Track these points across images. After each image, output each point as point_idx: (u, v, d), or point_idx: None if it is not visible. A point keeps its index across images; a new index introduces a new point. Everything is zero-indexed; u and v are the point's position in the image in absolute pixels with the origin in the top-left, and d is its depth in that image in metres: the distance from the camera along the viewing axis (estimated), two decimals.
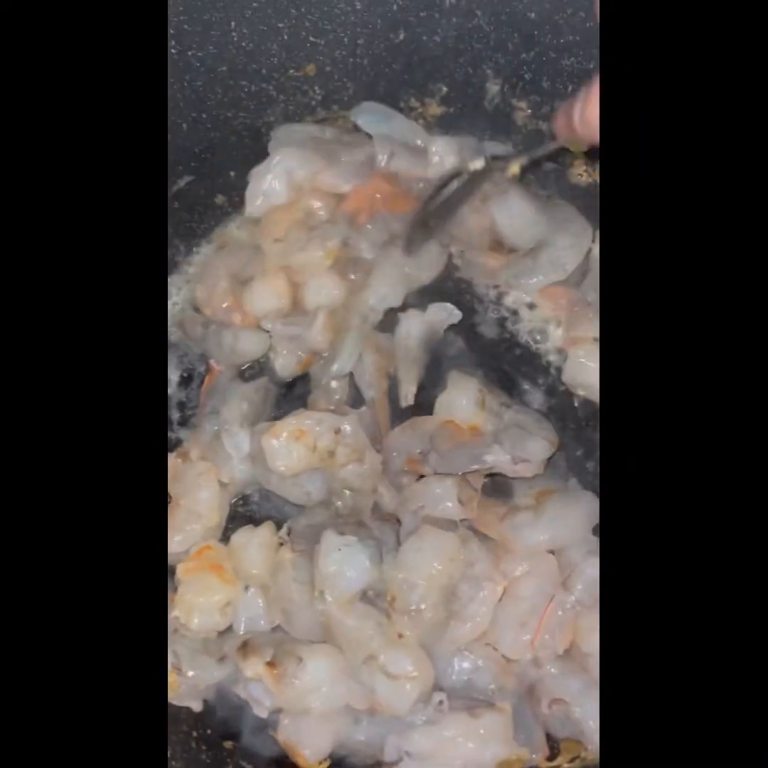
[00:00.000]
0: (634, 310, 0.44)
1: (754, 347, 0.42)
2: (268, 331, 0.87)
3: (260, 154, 0.94)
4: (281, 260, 0.87)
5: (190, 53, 0.82)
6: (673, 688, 0.41)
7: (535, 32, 0.81)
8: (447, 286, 0.90)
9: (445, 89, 0.91)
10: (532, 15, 0.80)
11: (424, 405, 0.83)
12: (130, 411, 0.46)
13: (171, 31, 0.79)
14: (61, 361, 0.45)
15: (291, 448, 0.77)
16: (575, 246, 0.85)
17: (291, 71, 0.88)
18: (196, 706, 0.73)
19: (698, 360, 0.42)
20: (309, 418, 0.78)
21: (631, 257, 0.44)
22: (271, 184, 0.89)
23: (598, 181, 0.90)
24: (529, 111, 0.90)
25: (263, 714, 0.72)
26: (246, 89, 0.88)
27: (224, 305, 0.89)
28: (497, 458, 0.75)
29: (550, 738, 0.72)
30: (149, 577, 0.45)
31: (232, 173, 0.94)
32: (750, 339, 0.42)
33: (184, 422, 0.89)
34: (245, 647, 0.71)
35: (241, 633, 0.74)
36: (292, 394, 0.88)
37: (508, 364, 0.88)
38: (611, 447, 0.43)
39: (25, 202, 0.46)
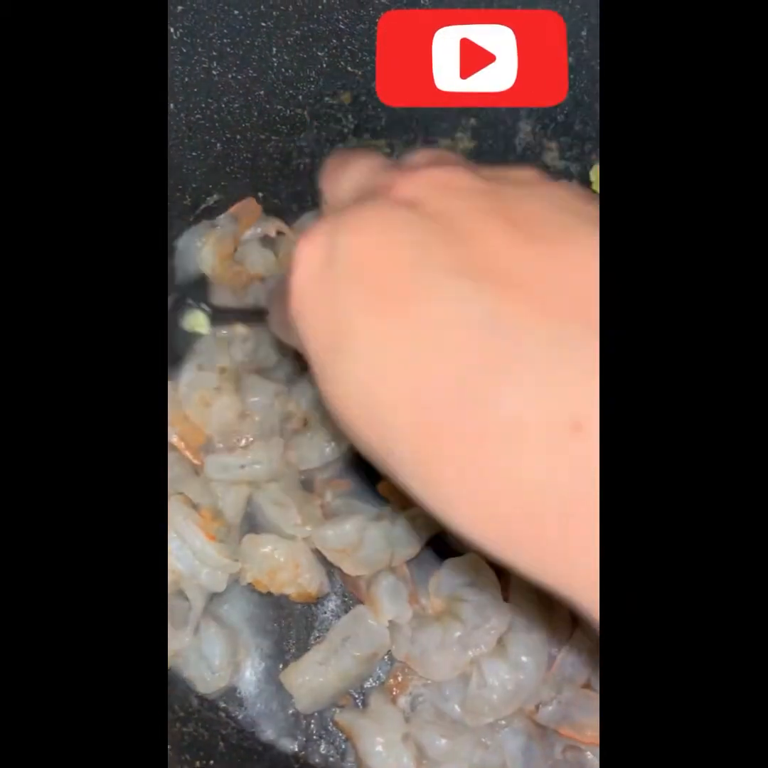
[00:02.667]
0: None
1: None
2: None
3: (289, 177, 0.95)
4: None
5: (229, 75, 0.83)
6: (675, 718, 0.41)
7: (572, 76, 0.83)
8: None
9: (474, 122, 0.92)
10: (571, 59, 0.81)
11: None
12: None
13: (214, 53, 0.80)
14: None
15: None
16: None
17: (326, 98, 0.89)
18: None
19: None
20: None
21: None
22: None
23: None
24: (557, 153, 0.91)
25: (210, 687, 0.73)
26: (281, 113, 0.89)
27: None
28: None
29: None
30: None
31: (260, 194, 0.95)
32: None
33: None
34: None
35: None
36: None
37: None
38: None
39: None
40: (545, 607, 0.71)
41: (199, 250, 0.89)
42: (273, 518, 0.78)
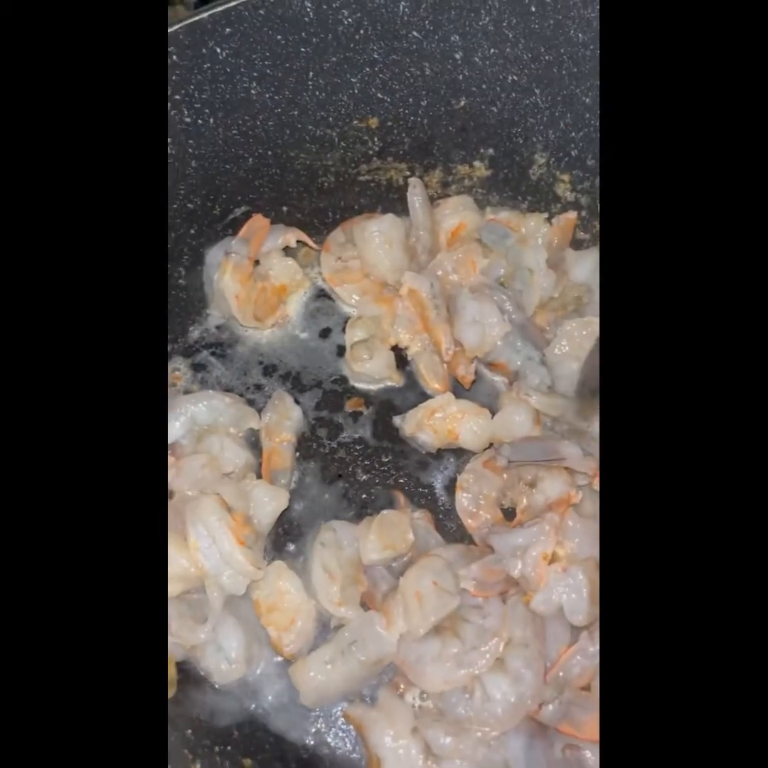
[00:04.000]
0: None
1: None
2: None
3: (313, 193, 0.99)
4: None
5: (267, 95, 0.87)
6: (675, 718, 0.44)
7: (587, 115, 0.89)
8: None
9: (492, 152, 0.98)
10: (587, 100, 0.87)
11: None
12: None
13: (255, 74, 0.85)
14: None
15: None
16: None
17: (355, 121, 0.93)
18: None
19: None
20: None
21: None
22: None
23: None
24: (570, 185, 0.97)
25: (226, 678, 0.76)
26: (311, 133, 0.93)
27: None
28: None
29: None
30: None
31: (284, 208, 0.99)
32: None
33: None
34: None
35: None
36: None
37: None
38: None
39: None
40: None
41: (219, 282, 0.92)
42: (315, 578, 0.80)
